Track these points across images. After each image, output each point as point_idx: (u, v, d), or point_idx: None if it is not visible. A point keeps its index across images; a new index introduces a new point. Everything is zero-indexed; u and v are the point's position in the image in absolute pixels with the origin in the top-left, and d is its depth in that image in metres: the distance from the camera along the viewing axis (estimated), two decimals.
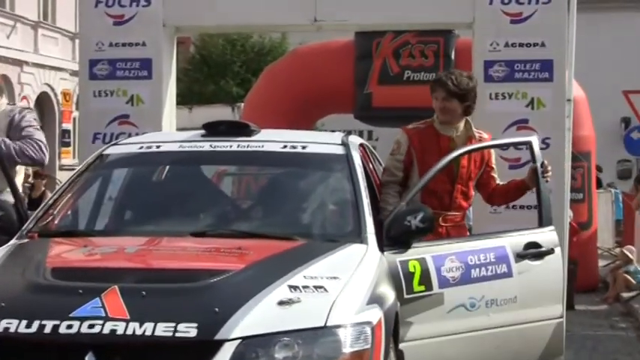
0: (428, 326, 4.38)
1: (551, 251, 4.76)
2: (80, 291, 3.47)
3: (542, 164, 4.95)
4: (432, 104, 5.14)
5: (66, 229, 4.61)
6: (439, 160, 4.74)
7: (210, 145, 4.82)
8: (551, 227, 4.83)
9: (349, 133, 5.23)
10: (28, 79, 24.01)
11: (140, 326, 3.30)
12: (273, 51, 23.57)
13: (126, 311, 3.36)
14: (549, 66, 6.48)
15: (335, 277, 3.69)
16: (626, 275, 10.75)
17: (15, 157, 5.47)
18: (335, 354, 3.38)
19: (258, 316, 3.38)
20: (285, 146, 4.78)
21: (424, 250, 4.43)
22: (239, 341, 3.30)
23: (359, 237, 4.23)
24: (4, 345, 3.33)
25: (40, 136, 5.70)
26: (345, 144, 4.82)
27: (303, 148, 4.78)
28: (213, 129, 4.91)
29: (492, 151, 5.25)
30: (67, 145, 24.84)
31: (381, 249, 4.26)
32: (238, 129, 4.97)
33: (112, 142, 5.48)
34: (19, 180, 5.75)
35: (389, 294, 3.96)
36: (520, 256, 4.66)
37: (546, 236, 4.78)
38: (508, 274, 4.61)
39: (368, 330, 3.50)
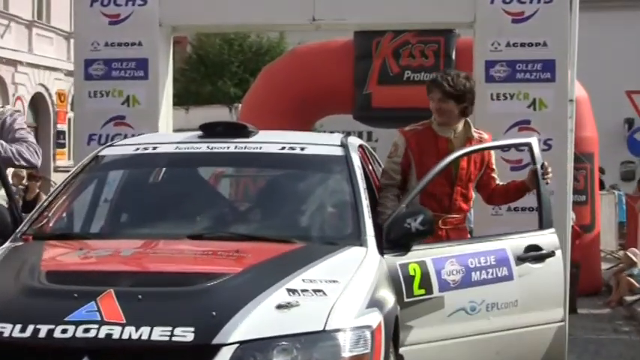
0: (428, 330, 4.38)
1: (551, 254, 4.76)
2: (75, 295, 3.47)
3: (543, 166, 4.96)
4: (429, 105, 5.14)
5: (61, 231, 4.61)
6: (437, 162, 4.74)
7: (208, 147, 4.82)
8: (552, 229, 4.84)
9: (348, 134, 5.24)
10: (23, 80, 24.00)
11: (136, 330, 3.30)
12: (271, 51, 23.60)
13: (122, 315, 3.36)
14: (551, 66, 6.49)
15: (334, 281, 3.69)
16: (629, 278, 10.76)
17: (13, 160, 5.48)
18: (334, 358, 3.38)
19: (256, 320, 3.38)
20: (283, 148, 4.79)
21: (424, 253, 4.44)
22: (237, 346, 3.30)
23: (358, 240, 4.23)
24: None
25: (33, 139, 5.73)
26: (344, 145, 4.82)
27: (302, 149, 4.78)
28: (211, 130, 4.91)
29: (493, 151, 5.26)
30: (62, 146, 24.85)
31: (381, 252, 4.26)
32: (236, 130, 4.97)
33: (108, 144, 5.48)
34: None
35: (389, 297, 3.96)
36: (521, 259, 4.67)
37: (547, 239, 4.79)
38: (509, 277, 4.62)
39: (367, 334, 3.50)
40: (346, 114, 12.46)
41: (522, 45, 6.50)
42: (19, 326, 3.34)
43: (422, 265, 4.40)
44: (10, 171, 5.93)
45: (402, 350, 4.20)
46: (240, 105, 14.47)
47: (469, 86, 5.10)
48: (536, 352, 4.76)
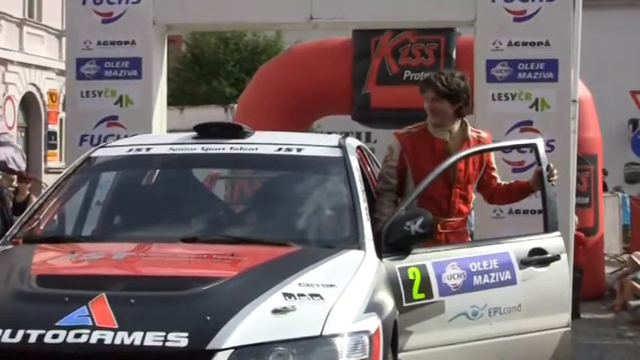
0: (428, 335, 4.38)
1: (557, 257, 4.75)
2: (66, 299, 3.47)
3: (548, 167, 4.95)
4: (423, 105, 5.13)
5: (52, 234, 4.61)
6: (433, 165, 4.74)
7: (202, 148, 4.82)
8: (557, 233, 4.83)
9: (346, 135, 5.24)
10: (13, 79, 24.00)
11: (129, 335, 3.30)
12: (267, 50, 23.59)
13: (114, 320, 3.36)
14: (554, 66, 6.49)
15: (331, 285, 3.69)
16: (633, 282, 10.75)
17: (7, 164, 5.48)
18: None
19: (252, 325, 3.38)
20: (279, 149, 4.79)
21: (424, 256, 4.44)
22: (232, 351, 3.30)
23: (356, 243, 4.24)
24: None
25: (17, 144, 5.73)
26: (342, 146, 4.82)
27: (299, 150, 4.78)
28: (206, 131, 4.92)
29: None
30: (54, 147, 24.85)
31: (380, 255, 4.26)
32: (231, 131, 4.97)
33: (100, 145, 5.47)
34: None
35: (387, 302, 3.96)
36: (524, 263, 4.66)
37: (552, 242, 4.78)
38: (512, 282, 4.61)
39: (365, 339, 3.50)
40: (344, 114, 12.47)
41: (524, 44, 6.50)
42: (8, 331, 3.34)
43: (422, 268, 4.40)
44: None
45: (400, 356, 4.20)
46: (235, 105, 14.46)
47: (464, 85, 5.07)
48: (540, 358, 4.75)
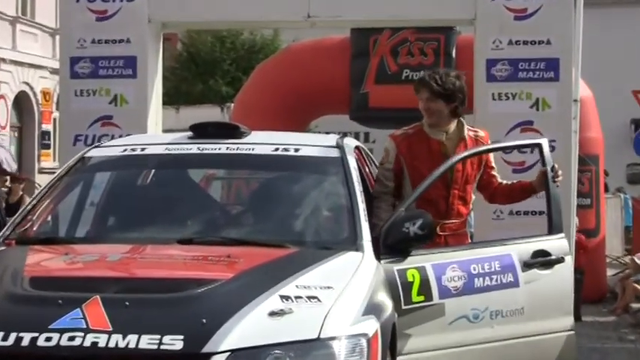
0: (427, 339, 4.38)
1: (561, 260, 4.73)
2: (60, 301, 3.46)
3: (553, 168, 4.94)
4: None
5: (45, 236, 4.61)
6: (430, 166, 4.73)
7: (198, 148, 4.82)
8: (562, 234, 4.82)
9: (344, 135, 5.24)
10: (6, 78, 23.98)
11: (123, 338, 3.30)
12: (264, 48, 23.62)
13: (108, 322, 3.36)
14: (555, 65, 6.50)
15: (329, 287, 3.69)
16: (635, 285, 10.76)
17: (2, 165, 5.50)
18: None
19: (248, 328, 3.38)
20: (276, 149, 4.79)
21: (423, 258, 4.43)
22: (228, 354, 3.30)
23: (354, 244, 4.23)
24: None
25: (4, 144, 5.75)
26: (339, 147, 4.82)
27: (296, 150, 4.78)
28: (202, 131, 4.91)
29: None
30: (47, 147, 24.83)
31: (378, 257, 4.26)
32: (228, 131, 4.97)
33: (95, 145, 5.47)
34: None
35: (386, 304, 3.96)
36: (527, 265, 4.64)
37: (556, 244, 4.76)
38: (514, 284, 4.60)
39: (363, 342, 3.50)
40: (342, 114, 12.48)
41: (525, 43, 6.51)
42: (1, 334, 3.33)
43: (421, 270, 4.39)
44: None
45: (399, 359, 4.20)
46: (232, 105, 14.49)
47: (459, 85, 5.05)
48: None
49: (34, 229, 4.57)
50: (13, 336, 3.32)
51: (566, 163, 6.32)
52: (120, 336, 3.30)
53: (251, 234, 4.48)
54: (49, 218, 4.74)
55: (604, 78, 19.62)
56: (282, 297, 3.57)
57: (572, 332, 4.84)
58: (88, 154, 4.98)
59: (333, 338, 3.43)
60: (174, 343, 3.29)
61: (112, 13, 6.75)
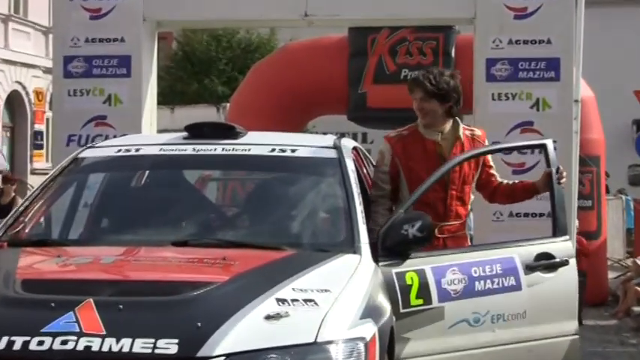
0: (426, 343, 4.37)
1: (565, 262, 4.70)
2: (52, 304, 3.46)
3: (558, 169, 4.93)
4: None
5: (38, 237, 4.60)
6: (426, 167, 4.72)
7: (194, 149, 4.82)
8: (566, 237, 4.79)
9: (342, 135, 5.24)
10: None
11: (117, 342, 3.29)
12: (261, 47, 23.62)
13: (101, 326, 3.35)
14: (556, 64, 6.51)
15: (326, 290, 3.69)
16: (637, 288, 10.78)
17: None
18: None
19: (244, 332, 3.38)
20: (273, 150, 4.79)
21: (423, 261, 4.42)
22: (223, 358, 3.29)
23: (352, 247, 4.23)
24: None
25: None
26: (337, 147, 4.82)
27: (293, 151, 4.78)
28: (197, 131, 4.91)
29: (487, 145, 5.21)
30: (40, 147, 24.81)
31: (376, 260, 4.26)
32: (223, 131, 4.97)
33: (88, 145, 5.47)
34: None
35: (384, 308, 3.96)
36: (530, 268, 4.62)
37: (560, 246, 4.73)
38: (517, 287, 4.58)
39: (361, 346, 3.50)
40: (340, 114, 12.49)
41: (525, 42, 6.52)
42: None
43: (420, 273, 4.39)
44: None
45: None
46: (228, 104, 14.47)
47: (453, 84, 5.03)
48: None
49: (27, 230, 4.57)
50: (4, 340, 3.32)
51: (567, 164, 6.32)
52: (113, 340, 3.30)
53: (247, 236, 4.48)
54: (42, 220, 4.74)
55: (605, 78, 19.64)
56: (278, 300, 3.56)
57: (577, 337, 4.80)
58: (82, 155, 4.98)
59: (330, 342, 3.42)
60: (168, 347, 3.29)
61: (106, 11, 6.76)
